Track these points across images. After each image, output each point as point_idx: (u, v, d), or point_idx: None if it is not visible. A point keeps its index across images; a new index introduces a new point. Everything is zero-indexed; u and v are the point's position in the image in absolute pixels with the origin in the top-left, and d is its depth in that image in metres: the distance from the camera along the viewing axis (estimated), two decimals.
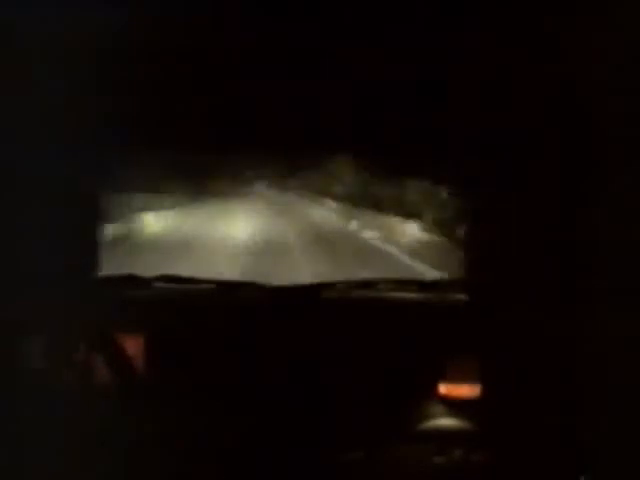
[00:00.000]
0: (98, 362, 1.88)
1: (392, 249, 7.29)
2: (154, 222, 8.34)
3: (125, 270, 2.35)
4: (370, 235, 7.76)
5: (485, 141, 2.11)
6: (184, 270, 2.47)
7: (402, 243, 7.33)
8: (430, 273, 5.66)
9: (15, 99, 1.88)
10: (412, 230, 7.85)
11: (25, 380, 1.84)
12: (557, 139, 2.01)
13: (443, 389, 2.14)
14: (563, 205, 2.02)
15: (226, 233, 7.53)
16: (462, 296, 2.30)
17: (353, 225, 8.84)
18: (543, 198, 2.06)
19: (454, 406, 2.14)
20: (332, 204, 11.43)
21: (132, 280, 2.32)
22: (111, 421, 1.85)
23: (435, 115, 2.08)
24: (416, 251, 6.98)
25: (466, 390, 2.13)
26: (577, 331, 1.98)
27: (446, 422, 2.14)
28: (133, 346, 2.01)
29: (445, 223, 6.56)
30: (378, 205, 9.25)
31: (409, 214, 8.30)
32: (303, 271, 5.64)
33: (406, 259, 6.90)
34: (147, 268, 2.58)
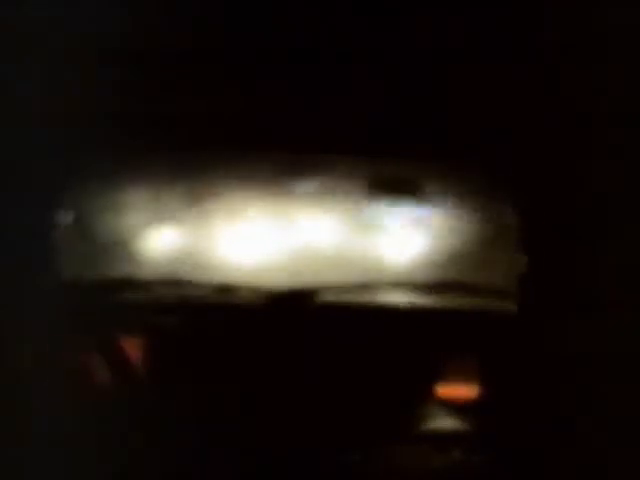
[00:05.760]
0: (97, 365, 1.88)
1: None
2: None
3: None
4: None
5: None
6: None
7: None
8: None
9: (14, 98, 1.87)
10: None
11: (22, 382, 1.83)
12: None
13: (442, 391, 2.14)
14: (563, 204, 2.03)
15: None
16: (461, 298, 2.29)
17: None
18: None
19: (453, 408, 2.13)
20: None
21: (130, 283, 2.31)
22: (110, 425, 1.84)
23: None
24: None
25: (465, 392, 2.13)
26: (578, 332, 1.98)
27: (445, 424, 2.14)
28: (132, 349, 2.01)
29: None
30: None
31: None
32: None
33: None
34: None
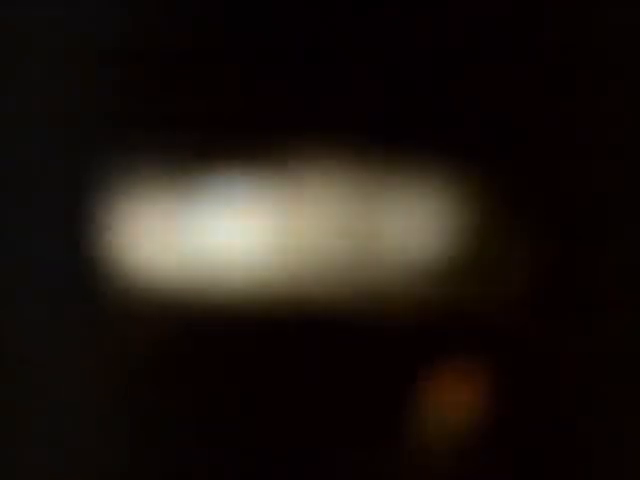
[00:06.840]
0: (98, 365, 1.88)
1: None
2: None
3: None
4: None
5: None
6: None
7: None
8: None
9: (14, 98, 1.88)
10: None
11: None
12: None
13: (441, 392, 2.14)
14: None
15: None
16: (460, 300, 2.30)
17: None
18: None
19: (453, 409, 2.14)
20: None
21: (129, 284, 2.31)
22: (110, 425, 1.85)
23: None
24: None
25: (464, 393, 2.13)
26: (578, 332, 1.98)
27: (444, 424, 2.14)
28: (133, 350, 2.01)
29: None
30: None
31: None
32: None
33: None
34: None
